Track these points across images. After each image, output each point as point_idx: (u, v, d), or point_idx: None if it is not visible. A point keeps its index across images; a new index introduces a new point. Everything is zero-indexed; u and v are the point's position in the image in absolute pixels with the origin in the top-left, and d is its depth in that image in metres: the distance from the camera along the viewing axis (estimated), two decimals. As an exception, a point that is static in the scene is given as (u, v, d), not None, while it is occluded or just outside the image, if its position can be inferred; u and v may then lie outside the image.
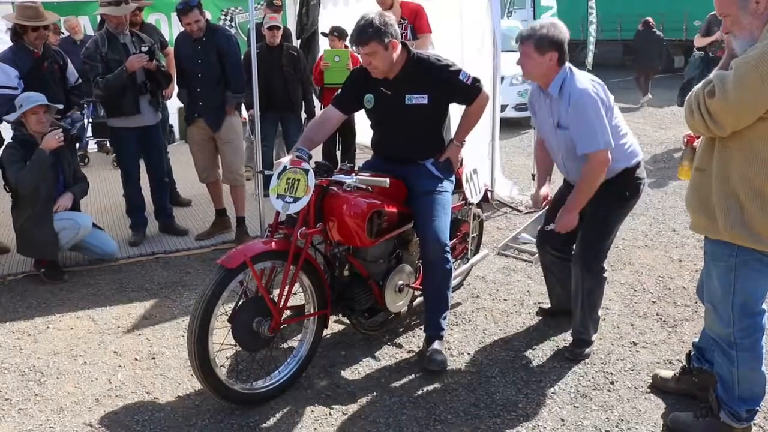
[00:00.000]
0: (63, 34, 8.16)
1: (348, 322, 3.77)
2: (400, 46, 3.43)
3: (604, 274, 3.53)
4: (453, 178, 3.74)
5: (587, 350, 3.58)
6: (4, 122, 5.03)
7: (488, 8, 6.08)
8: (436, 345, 3.52)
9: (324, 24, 7.95)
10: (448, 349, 3.68)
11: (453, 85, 3.53)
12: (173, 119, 8.79)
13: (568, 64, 3.29)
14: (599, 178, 3.27)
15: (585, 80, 3.26)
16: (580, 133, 3.21)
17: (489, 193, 6.17)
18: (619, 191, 3.40)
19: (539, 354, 3.63)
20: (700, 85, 2.48)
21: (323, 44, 7.22)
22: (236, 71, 5.31)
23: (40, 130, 4.67)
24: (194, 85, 5.28)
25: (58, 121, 4.96)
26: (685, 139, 3.13)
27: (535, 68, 3.27)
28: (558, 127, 3.33)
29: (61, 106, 4.98)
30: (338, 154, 7.01)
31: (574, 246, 3.58)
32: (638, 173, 3.43)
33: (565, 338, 3.77)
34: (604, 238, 3.48)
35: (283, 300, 3.21)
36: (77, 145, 6.19)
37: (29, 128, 4.68)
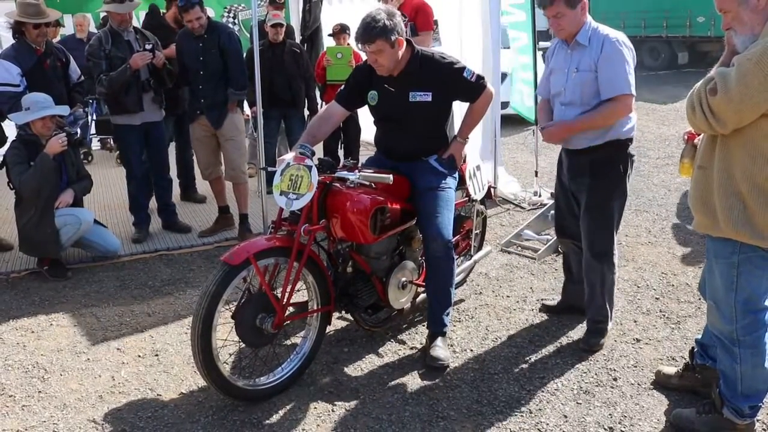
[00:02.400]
0: (63, 26, 8.18)
1: (351, 318, 3.78)
2: (405, 43, 3.43)
3: (615, 260, 3.58)
4: (456, 175, 3.74)
5: (602, 340, 3.60)
6: (7, 120, 5.04)
7: (487, 4, 6.08)
8: (438, 342, 3.52)
9: (327, 21, 7.95)
10: (451, 345, 3.68)
11: (457, 83, 3.52)
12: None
13: (588, 16, 3.37)
14: (613, 120, 3.33)
15: (616, 32, 3.35)
16: (611, 77, 3.27)
17: (492, 190, 6.20)
18: (612, 170, 3.42)
19: (542, 351, 3.63)
20: (701, 82, 2.46)
21: (327, 41, 7.22)
22: (238, 68, 5.31)
23: (45, 133, 4.70)
24: (196, 82, 5.28)
25: (61, 119, 4.97)
26: (686, 136, 3.13)
27: (571, 23, 3.33)
28: (576, 71, 3.36)
29: (67, 109, 5.00)
30: (341, 151, 7.02)
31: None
32: (630, 150, 3.45)
33: (568, 335, 3.77)
34: (609, 222, 3.49)
35: (286, 297, 3.21)
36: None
37: (34, 130, 4.69)
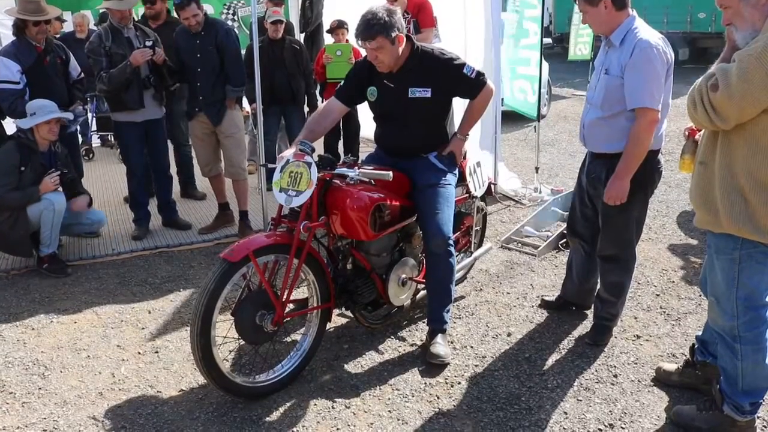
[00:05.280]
0: (65, 21, 8.18)
1: (351, 315, 3.77)
2: (405, 40, 3.42)
3: (632, 266, 3.57)
4: (456, 172, 3.73)
5: (608, 337, 3.63)
6: (7, 118, 5.04)
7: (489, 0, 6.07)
8: (439, 338, 3.52)
9: (328, 16, 7.93)
10: (451, 342, 3.68)
11: (457, 79, 3.51)
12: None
13: (635, 15, 3.24)
14: (648, 140, 3.15)
15: (653, 34, 3.17)
16: (636, 86, 3.11)
17: (492, 186, 6.19)
18: (638, 180, 3.26)
19: (542, 347, 3.63)
20: (702, 78, 2.46)
21: (328, 37, 7.20)
22: (235, 65, 5.29)
23: (51, 138, 4.72)
24: (194, 79, 5.27)
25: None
26: (686, 132, 3.12)
27: (595, 20, 3.26)
28: (606, 73, 3.26)
29: (71, 116, 5.00)
30: (340, 147, 7.00)
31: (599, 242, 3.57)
32: (659, 159, 3.34)
33: (568, 332, 3.77)
34: (622, 231, 3.44)
35: (286, 293, 3.21)
36: (80, 140, 6.22)
37: (40, 135, 4.70)
